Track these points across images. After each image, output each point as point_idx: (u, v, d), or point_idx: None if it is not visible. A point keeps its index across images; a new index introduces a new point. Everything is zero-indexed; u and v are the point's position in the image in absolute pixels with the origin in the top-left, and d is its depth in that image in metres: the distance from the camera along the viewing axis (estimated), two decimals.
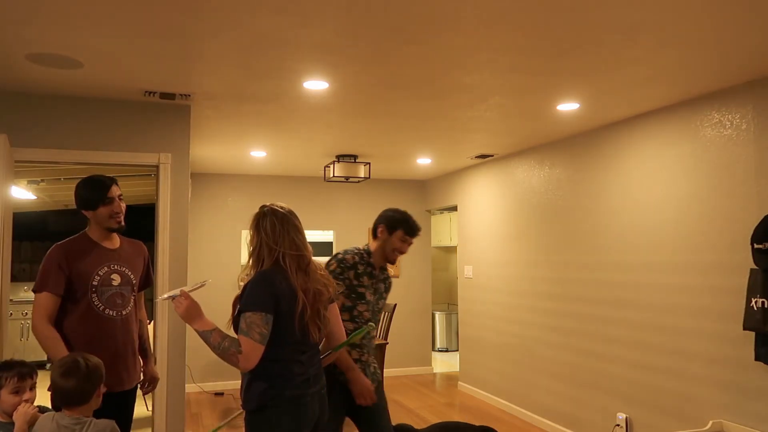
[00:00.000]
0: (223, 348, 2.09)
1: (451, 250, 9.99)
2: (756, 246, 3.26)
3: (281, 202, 2.37)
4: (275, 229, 2.24)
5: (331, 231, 7.60)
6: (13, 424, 2.21)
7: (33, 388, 2.32)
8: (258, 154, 5.80)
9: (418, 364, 7.73)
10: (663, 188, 4.03)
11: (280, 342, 2.18)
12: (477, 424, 4.38)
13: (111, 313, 2.65)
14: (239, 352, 2.08)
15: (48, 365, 6.18)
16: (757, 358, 3.27)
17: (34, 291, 2.55)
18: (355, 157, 5.92)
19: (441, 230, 9.43)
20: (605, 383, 4.53)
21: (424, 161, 6.34)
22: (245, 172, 7.06)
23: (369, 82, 3.51)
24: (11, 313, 7.57)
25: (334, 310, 2.45)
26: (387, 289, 3.04)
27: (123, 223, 2.73)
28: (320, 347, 2.42)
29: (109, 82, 3.51)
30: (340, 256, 2.87)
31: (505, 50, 2.96)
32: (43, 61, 3.12)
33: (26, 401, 2.26)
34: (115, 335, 2.65)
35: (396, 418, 5.48)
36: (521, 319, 5.65)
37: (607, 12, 2.50)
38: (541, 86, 3.58)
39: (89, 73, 3.35)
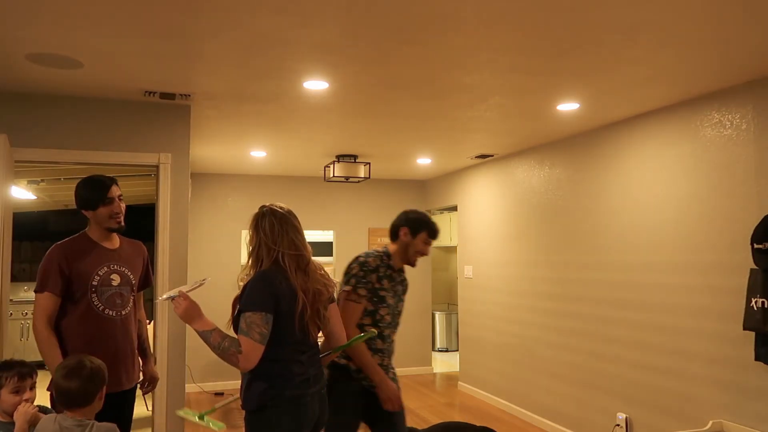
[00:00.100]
0: (223, 348, 2.09)
1: (451, 250, 9.99)
2: (756, 246, 3.26)
3: (281, 203, 2.38)
4: (274, 229, 2.25)
5: (331, 231, 7.60)
6: (13, 423, 2.21)
7: (33, 387, 2.33)
8: (258, 154, 5.80)
9: (418, 364, 7.73)
10: (663, 188, 4.03)
11: (280, 342, 2.18)
12: (477, 424, 4.38)
13: (110, 313, 2.65)
14: (239, 352, 2.08)
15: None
16: (757, 358, 3.27)
17: (35, 291, 2.56)
18: (355, 157, 5.92)
19: (441, 230, 9.41)
20: (605, 383, 4.53)
21: (424, 161, 6.34)
22: (245, 172, 7.07)
23: (369, 82, 3.51)
24: (11, 313, 7.57)
25: (334, 309, 2.45)
26: (404, 291, 2.98)
27: (123, 224, 2.73)
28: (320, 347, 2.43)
29: (109, 82, 3.51)
30: (361, 259, 2.81)
31: (505, 50, 2.96)
32: (43, 61, 3.12)
33: (26, 401, 2.26)
34: (114, 335, 2.65)
35: None
36: (521, 319, 5.65)
37: (607, 12, 2.50)
38: (541, 86, 3.58)
39: (89, 73, 3.35)
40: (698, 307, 3.74)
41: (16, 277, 8.02)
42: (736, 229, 3.50)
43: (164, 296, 2.25)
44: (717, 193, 3.63)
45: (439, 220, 9.39)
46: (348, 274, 2.79)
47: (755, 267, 3.28)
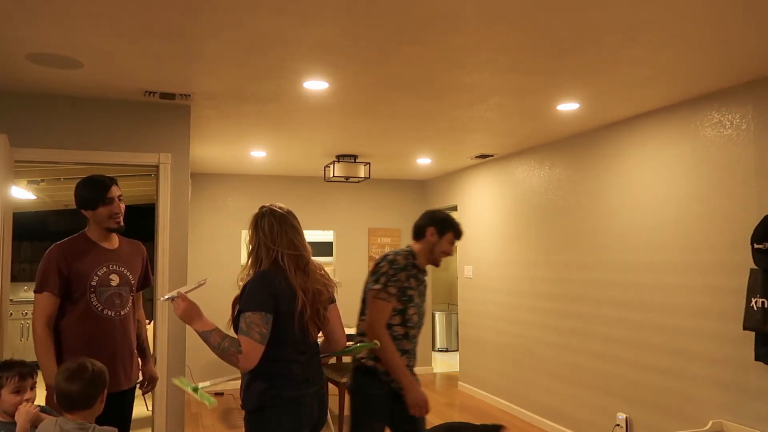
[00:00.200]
0: (223, 348, 2.09)
1: None
2: (756, 246, 3.26)
3: (280, 203, 2.38)
4: (273, 229, 2.25)
5: (331, 231, 7.60)
6: (14, 423, 2.22)
7: (33, 387, 2.33)
8: (258, 154, 5.80)
9: (418, 364, 7.71)
10: (663, 188, 4.03)
11: (279, 342, 2.18)
12: (477, 423, 4.37)
13: (109, 313, 2.65)
14: (239, 352, 2.08)
15: None
16: (757, 358, 3.27)
17: (34, 292, 2.56)
18: (355, 157, 5.92)
19: None
20: (605, 383, 4.53)
21: (424, 161, 6.34)
22: (245, 172, 7.07)
23: (369, 82, 3.51)
24: (11, 313, 7.57)
25: (334, 310, 2.45)
26: (425, 291, 2.95)
27: (122, 224, 2.73)
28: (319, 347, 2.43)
29: (109, 82, 3.51)
30: (390, 257, 2.77)
31: (505, 50, 2.96)
32: (43, 61, 3.12)
33: (27, 401, 2.27)
34: (113, 335, 2.65)
35: None
36: (521, 319, 5.65)
37: (607, 12, 2.50)
38: (541, 86, 3.58)
39: (89, 73, 3.35)
40: (698, 307, 3.74)
41: (16, 277, 8.02)
42: (736, 229, 3.50)
43: (164, 297, 2.25)
44: (717, 193, 3.63)
45: None
46: (377, 272, 2.73)
47: (755, 267, 3.28)
